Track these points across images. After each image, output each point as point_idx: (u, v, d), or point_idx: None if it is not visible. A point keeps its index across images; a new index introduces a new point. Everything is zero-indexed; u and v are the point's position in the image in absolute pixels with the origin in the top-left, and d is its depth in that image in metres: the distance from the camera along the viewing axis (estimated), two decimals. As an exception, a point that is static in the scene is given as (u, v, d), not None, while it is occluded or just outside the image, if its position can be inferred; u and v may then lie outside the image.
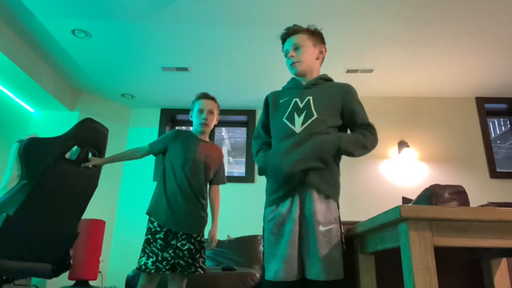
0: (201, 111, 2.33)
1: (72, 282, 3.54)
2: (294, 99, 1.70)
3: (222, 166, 2.42)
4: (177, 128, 4.34)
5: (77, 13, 3.16)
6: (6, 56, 3.31)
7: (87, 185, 2.50)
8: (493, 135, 4.77)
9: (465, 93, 4.42)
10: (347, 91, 1.70)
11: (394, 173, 4.21)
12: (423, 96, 4.51)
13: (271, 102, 1.79)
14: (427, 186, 1.68)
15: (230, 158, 7.64)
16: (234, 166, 7.71)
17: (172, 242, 2.16)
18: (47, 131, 4.16)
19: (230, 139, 7.34)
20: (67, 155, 2.34)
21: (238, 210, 4.23)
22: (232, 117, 4.98)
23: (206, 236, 2.35)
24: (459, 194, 1.52)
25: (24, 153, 2.17)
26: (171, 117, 4.90)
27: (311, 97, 1.67)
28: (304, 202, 1.57)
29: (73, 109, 4.43)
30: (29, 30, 3.39)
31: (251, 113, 4.84)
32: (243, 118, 4.94)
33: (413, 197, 2.10)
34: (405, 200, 2.22)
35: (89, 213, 3.68)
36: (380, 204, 3.97)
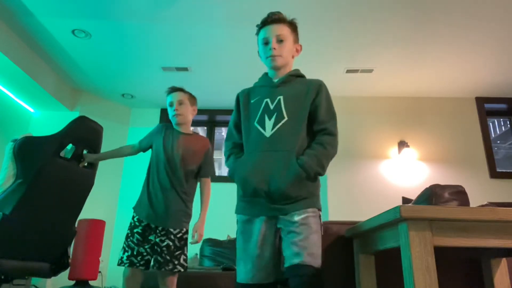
0: (171, 104, 2.31)
1: (72, 282, 3.54)
2: (265, 100, 1.61)
3: (207, 158, 2.32)
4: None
5: (77, 13, 3.16)
6: (6, 56, 3.31)
7: (83, 184, 2.50)
8: (493, 135, 4.78)
9: (465, 93, 4.41)
10: (318, 87, 1.60)
11: (394, 173, 4.21)
12: (423, 96, 4.51)
13: (242, 102, 1.69)
14: (427, 186, 1.68)
15: (230, 158, 7.63)
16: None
17: (149, 238, 2.13)
18: (47, 131, 4.13)
19: (230, 139, 7.33)
20: (62, 154, 2.34)
21: (238, 210, 4.22)
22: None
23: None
24: (459, 194, 1.52)
25: (19, 152, 2.17)
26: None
27: (282, 97, 1.58)
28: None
29: (73, 109, 4.43)
30: (29, 30, 3.39)
31: (251, 113, 4.84)
32: (243, 118, 4.94)
33: (413, 197, 2.10)
34: (405, 200, 2.22)
35: (89, 213, 3.69)
36: (380, 204, 3.96)
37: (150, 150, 2.38)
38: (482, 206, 1.61)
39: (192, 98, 2.39)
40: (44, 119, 4.35)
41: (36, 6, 3.08)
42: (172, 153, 2.22)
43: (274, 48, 1.61)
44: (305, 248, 1.40)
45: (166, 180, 2.18)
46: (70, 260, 2.56)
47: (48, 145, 2.26)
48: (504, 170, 4.30)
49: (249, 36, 3.43)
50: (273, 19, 1.67)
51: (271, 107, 1.59)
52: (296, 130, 1.53)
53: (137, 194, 2.25)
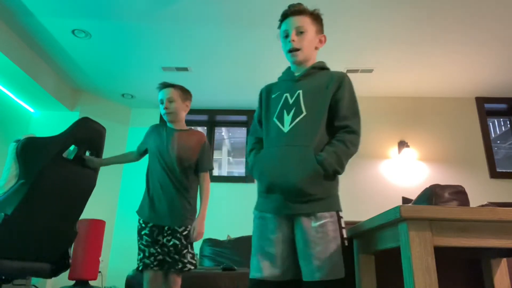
0: (161, 101, 2.29)
1: (72, 282, 3.54)
2: (285, 94, 1.56)
3: (204, 152, 2.28)
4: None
5: (77, 13, 3.16)
6: (6, 56, 3.31)
7: (85, 185, 2.50)
8: (493, 135, 4.78)
9: (465, 93, 4.42)
10: (340, 79, 1.53)
11: (394, 173, 4.21)
12: (423, 96, 4.51)
13: (264, 98, 1.66)
14: (427, 186, 1.68)
15: (230, 158, 7.64)
16: (234, 166, 7.71)
17: (158, 238, 2.12)
18: (47, 131, 4.16)
19: (230, 139, 7.34)
20: (65, 154, 2.34)
21: (238, 210, 4.22)
22: (232, 117, 4.98)
23: None
24: (459, 194, 1.52)
25: (22, 153, 2.17)
26: (171, 117, 4.90)
27: (301, 91, 1.53)
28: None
29: (73, 109, 4.43)
30: (29, 30, 3.39)
31: (251, 113, 4.84)
32: (243, 118, 4.94)
33: (413, 197, 2.10)
34: (405, 200, 2.22)
35: (89, 213, 3.69)
36: (380, 204, 3.97)
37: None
38: (482, 206, 1.61)
39: (184, 94, 2.34)
40: (44, 119, 4.35)
41: (36, 6, 3.08)
42: (168, 151, 2.20)
43: (293, 40, 1.55)
44: (325, 262, 1.36)
45: (165, 179, 2.17)
46: (70, 261, 2.55)
47: (50, 146, 2.26)
48: (504, 170, 4.30)
49: (249, 36, 3.43)
50: (293, 10, 1.59)
51: (290, 101, 1.54)
52: (315, 125, 1.47)
53: (137, 194, 2.25)
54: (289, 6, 1.60)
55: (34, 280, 3.49)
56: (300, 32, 1.56)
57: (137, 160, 2.45)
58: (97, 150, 2.54)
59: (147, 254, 2.09)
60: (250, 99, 4.60)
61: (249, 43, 3.52)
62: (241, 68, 3.96)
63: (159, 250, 2.10)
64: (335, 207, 1.48)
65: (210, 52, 3.68)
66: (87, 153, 2.49)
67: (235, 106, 4.81)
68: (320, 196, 1.44)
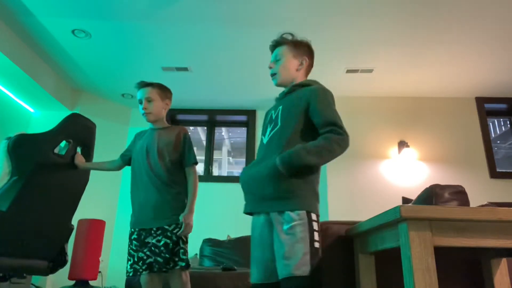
0: (140, 101, 2.26)
1: (72, 282, 3.54)
2: (271, 112, 1.75)
3: (186, 145, 2.23)
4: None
5: (77, 13, 3.16)
6: (6, 56, 3.31)
7: (78, 180, 2.51)
8: (493, 135, 4.78)
9: (465, 93, 4.42)
10: (310, 93, 1.63)
11: (394, 173, 4.21)
12: (423, 96, 4.51)
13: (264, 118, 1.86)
14: (427, 186, 1.68)
15: (230, 158, 7.64)
16: (234, 166, 7.71)
17: (146, 241, 2.09)
18: (47, 131, 4.17)
19: (230, 139, 7.34)
20: (56, 150, 2.35)
21: (238, 210, 4.21)
22: (232, 117, 4.98)
23: None
24: (459, 194, 1.52)
25: (13, 150, 2.19)
26: (171, 117, 4.90)
27: (281, 107, 1.69)
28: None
29: (73, 109, 4.43)
30: (29, 30, 3.39)
31: (251, 113, 4.84)
32: (243, 118, 4.94)
33: (413, 197, 2.10)
34: (405, 200, 2.22)
35: (89, 213, 3.69)
36: (380, 204, 3.97)
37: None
38: (482, 206, 1.61)
39: (164, 92, 2.30)
40: (44, 119, 4.35)
41: (36, 6, 3.08)
42: (148, 149, 2.18)
43: (270, 67, 1.80)
44: (290, 259, 1.43)
45: (146, 179, 2.14)
46: (68, 259, 2.55)
47: (42, 142, 2.28)
48: (504, 170, 4.30)
49: (249, 36, 3.43)
50: (272, 45, 1.84)
51: (273, 117, 1.71)
52: (285, 133, 1.60)
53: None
54: (271, 42, 1.85)
55: (34, 280, 3.49)
56: (277, 60, 1.79)
57: (119, 169, 2.40)
58: (88, 146, 2.54)
59: (136, 259, 2.07)
60: (250, 99, 4.60)
61: (249, 43, 3.52)
62: (241, 68, 3.96)
63: (147, 253, 2.06)
64: (305, 206, 1.50)
65: (210, 52, 3.68)
66: (78, 149, 2.49)
67: (235, 106, 4.81)
68: (284, 194, 1.51)
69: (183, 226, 2.07)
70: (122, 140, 4.71)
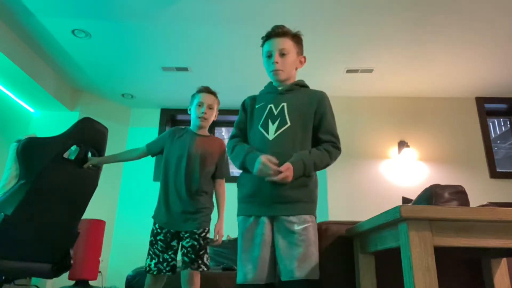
0: (200, 104, 2.29)
1: (72, 282, 3.54)
2: (270, 105, 1.67)
3: (223, 159, 2.33)
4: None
5: (77, 13, 3.16)
6: (6, 56, 3.31)
7: (86, 185, 2.49)
8: (493, 135, 4.77)
9: (465, 93, 4.42)
10: (321, 98, 1.68)
11: (394, 173, 4.21)
12: (423, 96, 4.51)
13: (249, 106, 1.75)
14: (427, 186, 1.68)
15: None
16: (233, 166, 7.71)
17: (172, 244, 2.17)
18: (47, 131, 4.16)
19: (230, 139, 7.33)
20: (66, 155, 2.33)
21: (238, 210, 4.22)
22: (232, 117, 4.98)
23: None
24: (459, 194, 1.52)
25: (22, 153, 2.17)
26: (171, 117, 4.90)
27: (285, 104, 1.65)
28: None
29: (73, 109, 4.43)
30: (29, 30, 3.39)
31: (251, 113, 4.84)
32: (243, 118, 4.94)
33: (413, 197, 2.10)
34: (405, 200, 2.22)
35: (89, 213, 3.68)
36: (380, 204, 3.97)
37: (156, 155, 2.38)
38: (482, 206, 1.61)
39: (219, 105, 2.40)
40: (44, 119, 4.35)
41: (36, 6, 3.08)
42: (190, 154, 2.23)
43: (277, 62, 1.64)
44: (306, 263, 1.46)
45: (182, 182, 2.19)
46: (72, 261, 2.55)
47: (51, 146, 2.26)
48: (504, 170, 4.30)
49: (249, 36, 3.43)
50: (276, 32, 1.67)
51: (275, 112, 1.65)
52: (297, 135, 1.60)
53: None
54: (273, 28, 1.69)
55: (34, 280, 3.49)
56: (282, 54, 1.65)
57: (139, 158, 2.42)
58: (99, 150, 2.53)
59: (161, 259, 2.13)
60: (250, 99, 4.60)
61: (249, 43, 3.52)
62: (241, 68, 3.96)
63: (172, 255, 2.15)
64: (314, 212, 1.59)
65: (210, 52, 3.68)
66: (89, 154, 2.48)
67: (235, 106, 4.80)
68: (302, 199, 1.55)
69: (218, 236, 2.19)
70: (122, 140, 4.71)
